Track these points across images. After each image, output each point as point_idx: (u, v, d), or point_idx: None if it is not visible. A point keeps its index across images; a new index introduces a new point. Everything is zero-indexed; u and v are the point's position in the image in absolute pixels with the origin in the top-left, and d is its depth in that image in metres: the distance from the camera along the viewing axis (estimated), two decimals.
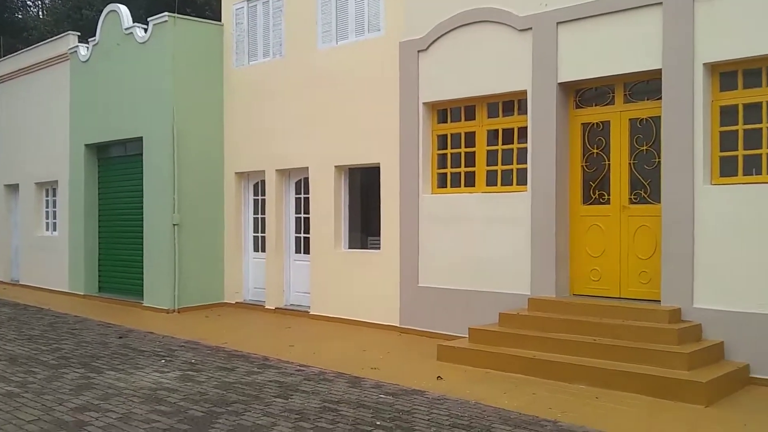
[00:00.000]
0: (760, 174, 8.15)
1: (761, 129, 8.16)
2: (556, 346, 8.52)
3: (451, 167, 11.22)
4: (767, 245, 7.91)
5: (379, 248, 12.02)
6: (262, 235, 14.41)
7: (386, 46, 11.80)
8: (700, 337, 8.24)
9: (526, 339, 8.86)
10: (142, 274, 14.95)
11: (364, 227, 12.90)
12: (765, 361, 7.82)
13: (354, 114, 12.32)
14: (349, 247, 12.83)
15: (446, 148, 11.28)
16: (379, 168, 12.00)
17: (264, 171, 14.15)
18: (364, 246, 12.78)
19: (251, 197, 14.88)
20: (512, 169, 10.46)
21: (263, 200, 14.40)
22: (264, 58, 14.27)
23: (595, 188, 9.71)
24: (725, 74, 8.43)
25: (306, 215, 13.55)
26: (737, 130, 8.35)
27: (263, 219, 14.39)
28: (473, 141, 10.92)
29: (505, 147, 10.56)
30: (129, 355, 10.01)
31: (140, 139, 15.01)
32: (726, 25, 8.20)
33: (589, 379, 7.80)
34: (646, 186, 9.23)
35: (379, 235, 12.02)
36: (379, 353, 9.92)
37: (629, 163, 9.37)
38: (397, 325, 11.51)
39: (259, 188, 14.63)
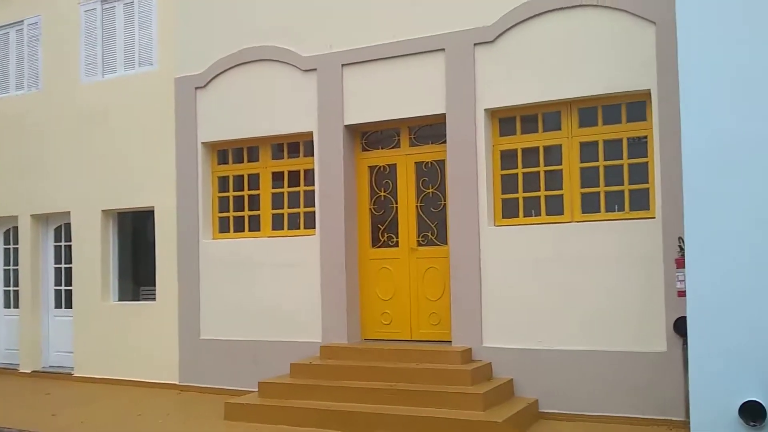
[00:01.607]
0: (539, 215, 8.55)
1: (539, 172, 8.58)
2: (351, 395, 8.21)
3: (234, 211, 10.64)
4: (543, 283, 8.26)
5: (154, 299, 11.05)
6: (15, 288, 12.71)
7: (160, 81, 11.02)
8: (491, 375, 8.37)
9: (320, 389, 8.46)
10: None
11: (136, 277, 11.81)
12: (551, 395, 8.10)
13: (124, 153, 11.33)
14: (120, 299, 11.67)
15: (228, 191, 10.70)
16: (153, 212, 11.10)
17: (17, 216, 12.55)
18: (136, 297, 11.67)
19: (1, 246, 13.13)
20: (299, 213, 10.14)
21: (15, 249, 12.74)
22: (17, 90, 12.76)
23: (384, 231, 9.65)
24: (504, 120, 8.79)
25: (68, 265, 12.17)
26: (517, 174, 8.71)
27: (16, 270, 12.71)
28: (257, 183, 10.46)
29: (291, 190, 10.22)
30: None
31: None
32: (504, 72, 8.55)
33: (389, 427, 7.56)
34: (433, 228, 9.32)
35: (154, 284, 11.05)
36: (158, 416, 9.02)
37: (416, 206, 9.43)
38: (177, 382, 10.59)
39: (11, 236, 12.94)
